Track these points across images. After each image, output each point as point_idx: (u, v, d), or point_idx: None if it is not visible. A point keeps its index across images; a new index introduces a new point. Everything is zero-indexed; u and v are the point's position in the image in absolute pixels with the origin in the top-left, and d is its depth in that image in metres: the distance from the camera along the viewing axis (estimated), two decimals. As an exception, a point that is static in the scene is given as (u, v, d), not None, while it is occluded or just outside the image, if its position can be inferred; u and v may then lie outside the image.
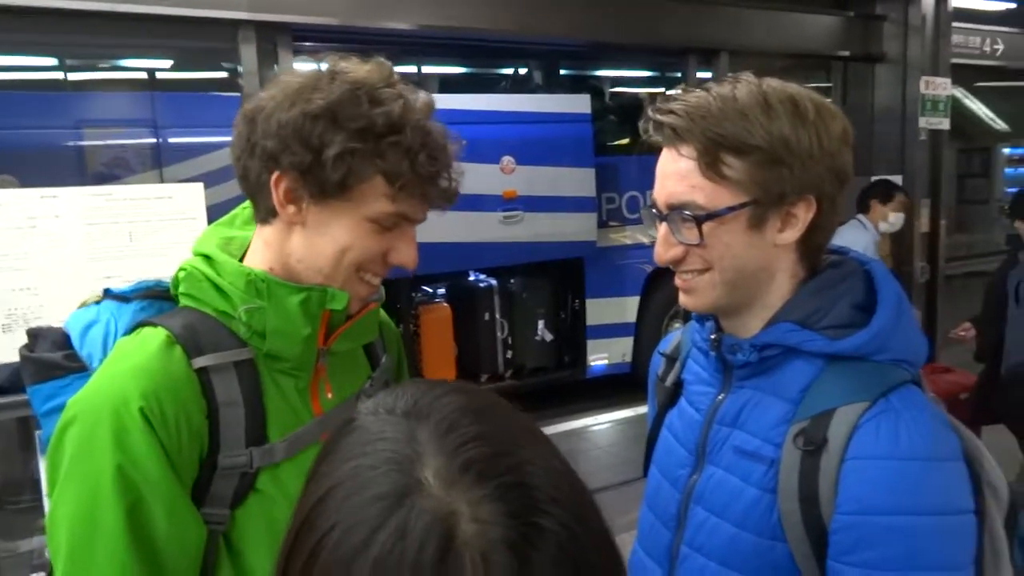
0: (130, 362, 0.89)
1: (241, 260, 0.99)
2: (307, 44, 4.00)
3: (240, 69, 3.69)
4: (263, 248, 0.99)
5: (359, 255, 0.95)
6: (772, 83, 0.93)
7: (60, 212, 2.46)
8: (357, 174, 0.90)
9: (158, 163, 4.23)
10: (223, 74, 4.73)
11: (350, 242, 0.94)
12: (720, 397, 1.00)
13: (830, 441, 0.86)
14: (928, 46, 5.60)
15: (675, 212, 0.93)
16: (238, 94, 3.83)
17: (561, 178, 4.98)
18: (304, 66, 1.00)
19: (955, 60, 5.95)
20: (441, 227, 4.73)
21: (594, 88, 5.86)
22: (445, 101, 4.32)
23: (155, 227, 2.55)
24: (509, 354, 5.22)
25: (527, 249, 4.95)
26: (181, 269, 0.99)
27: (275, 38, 3.75)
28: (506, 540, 0.42)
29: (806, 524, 0.87)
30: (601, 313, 5.35)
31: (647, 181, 0.98)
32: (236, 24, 3.61)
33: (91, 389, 0.89)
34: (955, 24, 5.94)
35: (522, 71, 5.90)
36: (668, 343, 1.17)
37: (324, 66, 0.94)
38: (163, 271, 1.07)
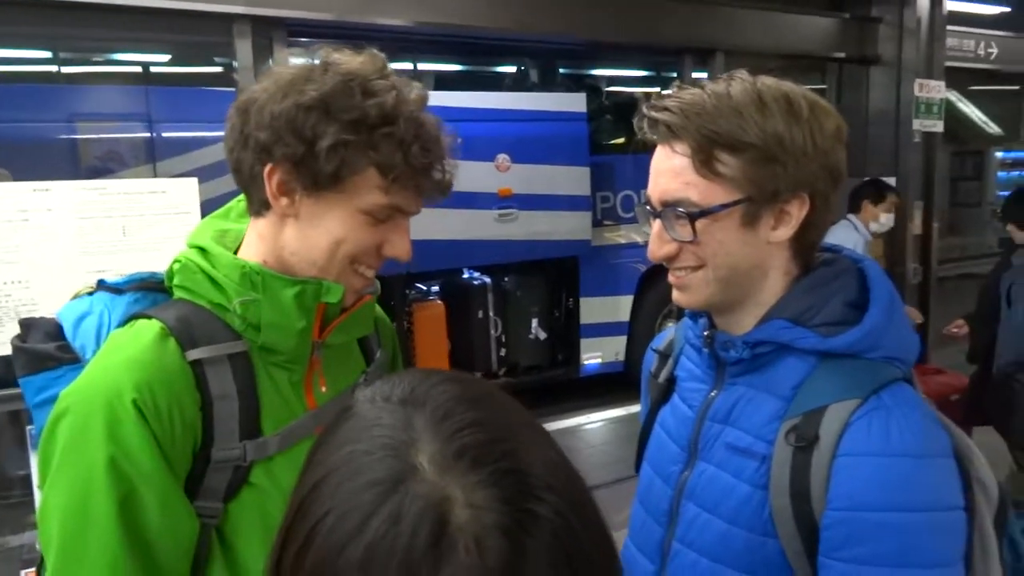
0: (124, 354, 0.89)
1: (236, 253, 0.99)
2: (302, 39, 3.99)
3: (235, 64, 3.68)
4: (257, 241, 0.98)
5: (353, 247, 0.95)
6: (766, 81, 0.93)
7: (53, 206, 2.45)
8: (350, 166, 0.90)
9: (152, 157, 4.21)
10: (218, 69, 4.71)
11: (344, 234, 0.94)
12: (713, 394, 1.00)
13: (822, 438, 0.87)
14: (923, 49, 5.63)
15: (669, 209, 0.94)
16: (233, 89, 3.82)
17: (556, 176, 4.98)
18: (297, 59, 1.00)
19: (949, 63, 5.98)
20: (436, 224, 4.75)
21: (590, 87, 5.86)
22: (441, 98, 4.31)
23: (148, 222, 2.54)
24: (503, 352, 5.22)
25: (522, 247, 4.95)
26: (176, 261, 0.98)
27: (270, 33, 3.74)
28: (500, 525, 0.42)
29: (797, 520, 0.88)
30: (595, 312, 5.36)
31: (642, 180, 0.98)
32: (231, 18, 3.60)
33: (84, 381, 0.88)
34: (950, 27, 5.97)
35: (518, 69, 5.90)
36: (661, 340, 1.18)
37: (317, 58, 0.94)
38: (156, 266, 1.07)
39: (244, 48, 3.62)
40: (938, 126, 5.68)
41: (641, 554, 1.06)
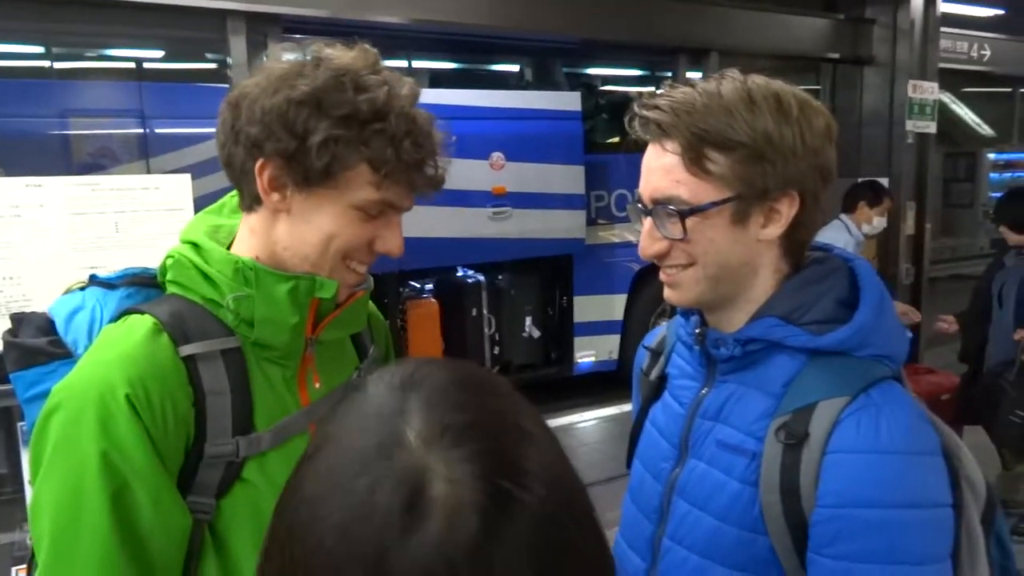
0: (117, 349, 0.89)
1: (229, 248, 0.99)
2: (297, 36, 3.98)
3: (229, 60, 3.67)
4: (249, 236, 0.98)
5: (344, 243, 0.95)
6: (757, 80, 0.93)
7: (45, 201, 2.44)
8: (341, 161, 0.90)
9: (145, 153, 4.19)
10: (212, 65, 4.69)
11: (335, 230, 0.94)
12: (704, 391, 1.01)
13: (811, 435, 0.87)
14: (916, 50, 5.65)
15: (659, 207, 0.94)
16: (227, 85, 3.81)
17: (550, 175, 4.98)
18: (290, 54, 0.99)
19: (943, 65, 6.00)
20: (429, 222, 4.74)
21: (584, 86, 5.87)
22: (435, 96, 4.31)
23: (141, 218, 2.54)
24: (496, 350, 5.23)
25: (516, 245, 4.95)
26: (169, 256, 0.98)
27: (265, 30, 3.73)
28: (475, 503, 0.42)
29: (787, 517, 0.88)
30: (589, 310, 5.37)
31: (636, 179, 0.99)
32: (225, 14, 3.59)
33: (77, 376, 0.88)
34: (943, 29, 6.00)
35: (513, 67, 5.90)
36: (653, 337, 1.18)
37: (309, 54, 0.93)
38: (149, 262, 1.07)
39: (238, 45, 3.62)
40: (931, 127, 5.71)
41: (632, 550, 1.07)
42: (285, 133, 0.88)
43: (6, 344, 1.00)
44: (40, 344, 0.98)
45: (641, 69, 6.37)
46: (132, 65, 4.70)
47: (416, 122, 0.92)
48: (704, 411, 1.00)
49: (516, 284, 5.29)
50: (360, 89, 0.89)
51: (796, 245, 0.98)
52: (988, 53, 7.49)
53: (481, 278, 5.15)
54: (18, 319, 1.02)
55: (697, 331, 1.02)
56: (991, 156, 9.61)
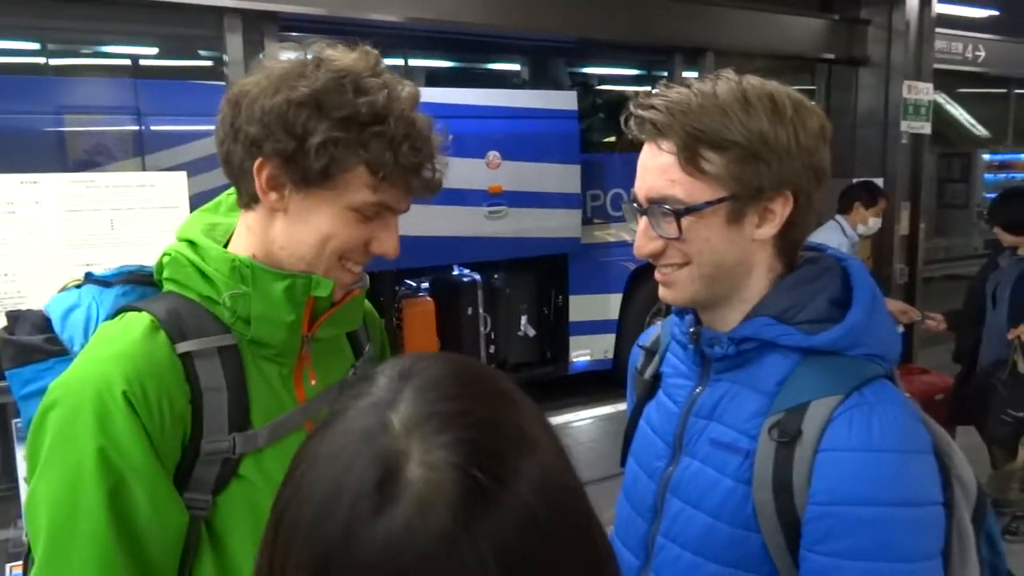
0: (114, 346, 0.89)
1: (225, 246, 0.99)
2: (294, 34, 3.97)
3: (225, 58, 3.67)
4: (246, 233, 0.99)
5: (341, 244, 0.95)
6: (752, 80, 0.94)
7: (40, 198, 2.43)
8: (340, 163, 0.90)
9: (140, 151, 4.19)
10: (208, 63, 4.69)
11: (332, 231, 0.94)
12: (698, 390, 1.01)
13: (804, 433, 0.88)
14: (911, 51, 5.67)
15: (655, 206, 0.94)
16: (223, 83, 3.81)
17: (547, 174, 4.99)
18: (289, 52, 0.99)
19: (938, 65, 6.03)
20: (426, 221, 4.74)
21: (581, 85, 5.88)
22: (432, 95, 4.31)
23: (137, 215, 2.53)
24: (492, 349, 5.23)
25: (511, 244, 4.96)
26: (165, 254, 0.98)
27: (262, 27, 3.73)
28: (449, 491, 0.43)
29: (779, 514, 0.89)
30: (584, 309, 5.37)
31: (632, 179, 0.99)
32: (223, 12, 3.59)
33: (74, 373, 0.88)
34: (938, 30, 6.02)
35: (509, 66, 5.90)
36: (647, 336, 1.19)
37: (310, 53, 0.94)
38: (145, 260, 1.07)
39: (235, 42, 3.61)
40: (926, 128, 5.73)
41: (625, 548, 1.07)
42: (284, 133, 0.89)
43: (2, 341, 1.00)
44: (36, 341, 0.98)
45: (637, 69, 6.38)
46: (128, 62, 4.69)
47: (415, 126, 0.93)
48: (698, 410, 1.00)
49: (512, 283, 5.30)
50: (360, 91, 0.90)
51: (790, 245, 0.98)
52: (983, 54, 7.52)
53: (477, 277, 5.15)
54: (14, 316, 1.02)
55: (691, 330, 1.02)
56: (985, 157, 9.64)
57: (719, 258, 0.95)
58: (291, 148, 0.89)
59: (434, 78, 5.53)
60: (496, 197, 4.84)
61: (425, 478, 0.43)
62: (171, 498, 0.88)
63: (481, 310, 5.13)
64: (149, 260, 1.04)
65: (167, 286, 0.98)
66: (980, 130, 10.17)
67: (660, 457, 1.04)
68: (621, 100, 6.18)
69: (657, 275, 1.00)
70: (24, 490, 1.96)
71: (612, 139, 5.64)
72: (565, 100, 5.10)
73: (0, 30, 4.01)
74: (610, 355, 5.47)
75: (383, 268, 4.33)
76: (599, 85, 6.34)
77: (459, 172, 4.49)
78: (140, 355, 0.88)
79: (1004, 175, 9.68)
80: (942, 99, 8.95)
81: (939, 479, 0.89)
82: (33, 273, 2.40)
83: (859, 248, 4.28)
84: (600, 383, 5.31)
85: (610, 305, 5.45)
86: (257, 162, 0.91)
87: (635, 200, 0.98)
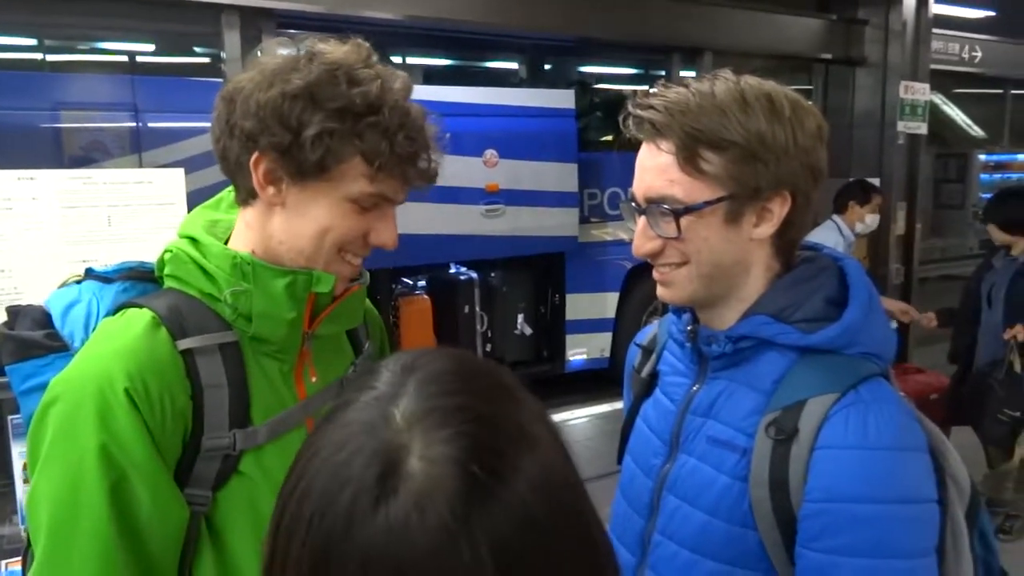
0: (115, 343, 0.89)
1: (226, 243, 0.99)
2: (291, 31, 3.97)
3: (223, 55, 3.66)
4: (245, 229, 0.99)
5: (339, 236, 0.95)
6: (749, 80, 0.95)
7: (37, 194, 2.43)
8: (336, 154, 0.90)
9: (137, 147, 4.18)
10: (205, 60, 4.68)
11: (330, 223, 0.94)
12: (695, 388, 1.02)
13: (801, 431, 0.88)
14: (908, 51, 5.69)
15: (654, 206, 0.95)
16: (220, 80, 3.80)
17: (544, 173, 4.99)
18: (283, 49, 1.00)
19: (934, 66, 6.04)
20: (422, 219, 4.73)
21: (578, 84, 5.88)
22: (429, 93, 4.31)
23: (134, 212, 2.53)
24: (488, 347, 5.23)
25: (508, 243, 4.96)
26: (167, 251, 0.99)
27: (259, 24, 3.73)
28: (448, 486, 0.43)
29: (776, 512, 0.89)
30: (581, 308, 5.38)
31: (629, 178, 0.99)
32: (220, 9, 3.58)
33: (75, 369, 0.89)
34: (935, 30, 6.03)
35: (507, 65, 5.90)
36: (645, 335, 1.19)
37: (302, 49, 0.94)
38: (142, 256, 1.07)
39: (232, 39, 3.61)
40: (922, 128, 5.74)
41: (622, 546, 1.08)
42: (279, 127, 0.89)
43: (2, 336, 1.00)
44: (36, 337, 0.98)
45: (635, 68, 6.38)
46: (125, 58, 4.68)
47: (409, 115, 0.93)
48: (695, 407, 1.01)
49: (509, 281, 5.30)
50: (353, 83, 0.90)
51: (787, 244, 0.99)
52: (979, 55, 7.54)
53: (474, 275, 5.15)
54: (14, 312, 1.02)
55: (689, 328, 1.03)
56: (981, 157, 9.67)
57: (717, 258, 0.96)
58: (287, 141, 0.89)
59: (432, 76, 5.53)
60: (493, 195, 4.84)
61: (425, 472, 0.43)
62: (172, 494, 0.89)
63: (478, 308, 5.13)
64: (147, 256, 1.05)
65: (168, 283, 0.98)
66: (976, 131, 10.19)
67: (657, 455, 1.05)
68: (619, 99, 6.19)
69: (655, 274, 1.01)
70: (20, 487, 1.96)
71: (609, 138, 5.65)
72: (562, 99, 5.10)
73: (-2, 26, 4.00)
74: (607, 354, 5.48)
75: (380, 266, 4.32)
76: (597, 84, 6.34)
77: (456, 170, 4.53)
78: (142, 351, 0.88)
79: (1000, 176, 9.70)
80: (938, 99, 8.97)
81: (934, 477, 0.90)
82: (30, 269, 2.39)
83: (855, 248, 4.29)
84: (596, 382, 5.32)
85: (607, 304, 5.45)
86: (253, 157, 0.92)
87: (633, 200, 0.99)
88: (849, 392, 0.89)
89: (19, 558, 1.53)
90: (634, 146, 0.99)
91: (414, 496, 0.43)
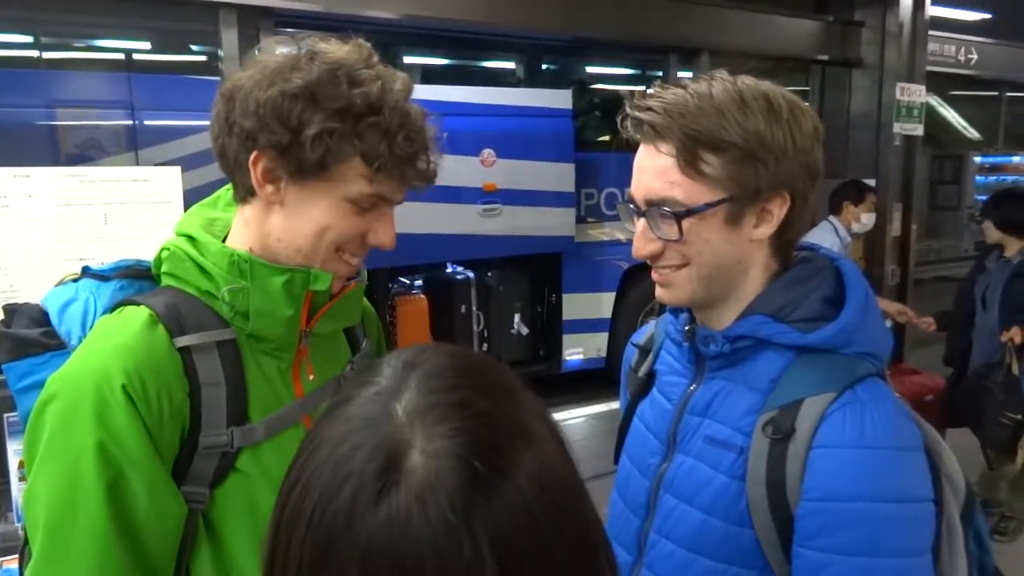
0: (113, 340, 0.89)
1: (224, 241, 0.99)
2: (289, 30, 3.96)
3: (220, 53, 3.66)
4: (243, 227, 0.99)
5: (337, 235, 0.95)
6: (746, 81, 0.95)
7: (33, 192, 2.42)
8: (335, 154, 0.90)
9: (134, 145, 4.17)
10: (203, 58, 4.67)
11: (328, 222, 0.94)
12: (692, 387, 1.02)
13: (798, 430, 0.89)
14: (904, 53, 5.70)
15: (654, 208, 0.95)
16: (217, 78, 3.79)
17: (541, 172, 4.99)
18: (283, 47, 1.00)
19: (930, 68, 6.06)
20: (420, 218, 4.73)
21: (576, 84, 5.88)
22: (427, 92, 4.31)
23: (131, 210, 2.52)
24: (485, 347, 5.23)
25: (505, 242, 4.96)
26: (164, 249, 0.99)
27: (257, 23, 3.72)
28: (449, 480, 0.43)
29: (773, 511, 0.90)
30: (577, 308, 5.38)
31: (626, 178, 0.99)
32: (218, 7, 3.58)
33: (73, 366, 0.88)
34: (931, 32, 6.05)
35: (505, 64, 5.90)
36: (642, 335, 1.20)
37: (303, 47, 0.94)
38: (138, 254, 1.07)
39: (230, 38, 3.60)
40: (918, 129, 5.76)
41: (618, 545, 1.08)
42: (279, 126, 0.89)
43: None
44: (33, 335, 0.98)
45: (632, 68, 6.39)
46: (122, 56, 4.67)
47: (409, 116, 0.93)
48: (692, 407, 1.01)
49: (505, 281, 5.30)
50: (354, 83, 0.90)
51: (785, 244, 0.99)
52: (975, 57, 7.57)
53: (470, 275, 5.16)
54: (11, 310, 1.02)
55: (687, 328, 1.03)
56: (977, 159, 9.70)
57: (718, 259, 0.96)
58: (286, 140, 0.89)
59: (429, 75, 5.53)
60: (490, 195, 4.84)
61: (426, 466, 0.44)
62: (170, 491, 0.89)
63: (474, 308, 5.14)
64: (143, 254, 1.05)
65: (166, 280, 0.98)
66: (972, 132, 10.23)
67: (654, 454, 1.05)
68: (616, 99, 6.21)
69: (654, 275, 1.01)
70: (15, 485, 1.95)
71: (607, 138, 5.65)
72: (560, 99, 5.10)
73: (-6, 23, 3.99)
74: (603, 354, 5.48)
75: (377, 265, 4.32)
76: (594, 84, 6.34)
77: (453, 169, 4.53)
78: (139, 349, 0.88)
79: (995, 178, 9.73)
80: (934, 101, 9.00)
81: (930, 477, 0.90)
82: (26, 267, 2.39)
83: (851, 249, 4.30)
84: (593, 381, 5.32)
85: (603, 304, 5.46)
86: (252, 155, 0.92)
87: (631, 201, 0.98)
88: (846, 391, 0.90)
89: (15, 556, 1.52)
90: (631, 146, 0.99)
91: (415, 490, 0.43)
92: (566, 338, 5.38)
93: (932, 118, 7.90)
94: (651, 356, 1.13)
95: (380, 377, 0.50)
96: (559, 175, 5.05)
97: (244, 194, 0.97)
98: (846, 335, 0.93)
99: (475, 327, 5.15)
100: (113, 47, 4.62)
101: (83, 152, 4.11)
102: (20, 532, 0.92)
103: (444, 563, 0.42)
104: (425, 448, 0.44)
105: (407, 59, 5.28)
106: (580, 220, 5.25)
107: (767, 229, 0.96)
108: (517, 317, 5.34)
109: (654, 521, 1.03)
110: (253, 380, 0.96)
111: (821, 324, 0.94)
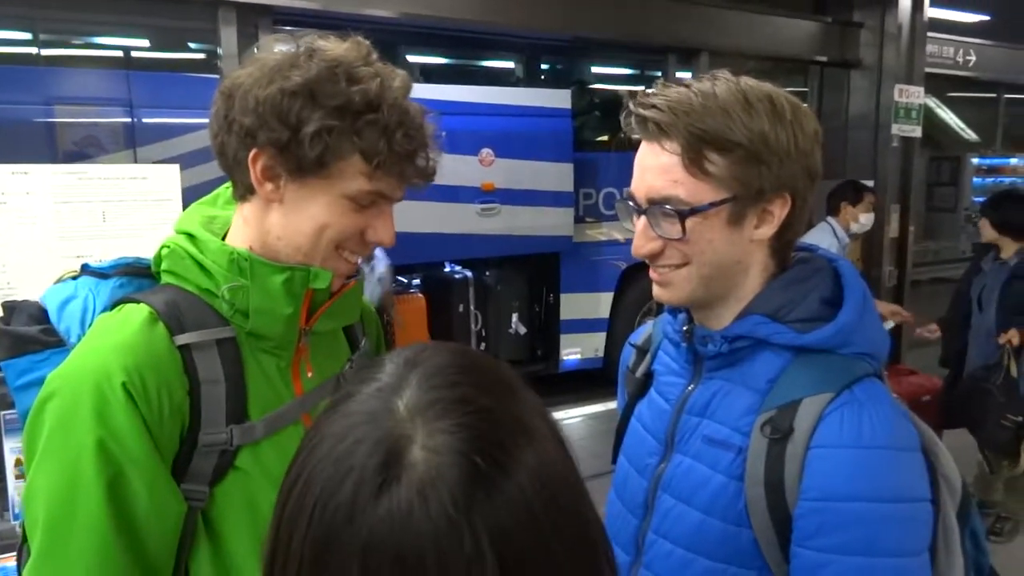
0: (113, 338, 0.89)
1: (223, 239, 0.99)
2: (288, 28, 3.96)
3: (219, 51, 3.65)
4: (243, 225, 0.99)
5: (337, 233, 0.95)
6: (748, 81, 0.95)
7: (31, 189, 2.42)
8: (334, 152, 0.90)
9: (132, 143, 4.16)
10: (201, 55, 4.67)
11: (327, 220, 0.94)
12: (690, 387, 1.02)
13: (796, 430, 0.89)
14: (903, 54, 5.71)
15: (656, 207, 0.94)
16: (216, 76, 3.79)
17: (539, 172, 5.00)
18: (282, 45, 1.00)
19: (929, 69, 6.06)
20: (418, 217, 4.73)
21: (575, 83, 5.89)
22: (426, 91, 4.31)
23: (129, 207, 2.52)
24: (483, 346, 5.24)
25: (503, 242, 4.97)
26: (164, 246, 0.99)
27: (256, 21, 3.72)
28: (450, 475, 0.44)
29: (771, 511, 0.90)
30: (575, 308, 5.39)
31: (625, 178, 0.99)
32: (217, 5, 3.57)
33: (72, 364, 0.88)
34: (930, 34, 6.06)
35: (504, 64, 5.90)
36: (639, 335, 1.20)
37: (302, 45, 0.94)
38: (137, 252, 1.07)
39: (229, 35, 3.60)
40: (916, 131, 5.77)
41: (616, 545, 1.08)
42: (278, 123, 0.89)
43: None
44: (32, 332, 0.98)
45: (631, 68, 6.39)
46: (120, 53, 4.66)
47: (408, 113, 0.93)
48: (691, 407, 1.01)
49: (503, 280, 5.30)
50: (353, 80, 0.90)
51: (784, 245, 0.99)
52: (973, 58, 7.59)
53: (468, 274, 5.16)
54: (10, 307, 1.02)
55: (684, 328, 1.03)
56: (974, 161, 9.72)
57: (720, 259, 0.96)
58: (285, 138, 0.89)
59: (428, 74, 5.53)
60: (489, 194, 4.85)
61: (427, 461, 0.44)
62: (169, 489, 0.89)
63: (472, 307, 5.14)
64: (141, 252, 1.04)
65: (165, 278, 0.98)
66: (969, 134, 10.25)
67: (652, 454, 1.05)
68: (615, 99, 6.21)
69: (653, 275, 1.00)
70: (12, 483, 1.95)
71: (606, 138, 5.66)
72: (559, 98, 5.11)
73: (-8, 20, 3.98)
74: (601, 353, 5.49)
75: (375, 264, 4.32)
76: (593, 84, 6.35)
77: (452, 169, 4.53)
78: (139, 346, 0.88)
79: (992, 179, 9.75)
80: (932, 103, 9.01)
81: (927, 477, 0.90)
82: (24, 265, 2.38)
83: (849, 250, 4.30)
84: (590, 381, 5.32)
85: (601, 303, 5.46)
86: (252, 153, 0.92)
87: (631, 199, 0.98)
88: (844, 392, 0.90)
89: (13, 554, 1.52)
90: (630, 146, 0.99)
91: (417, 484, 0.43)
92: (564, 338, 5.39)
93: (930, 119, 7.92)
94: (649, 356, 1.13)
95: (381, 373, 0.50)
96: (558, 175, 5.05)
97: (243, 192, 0.97)
98: (844, 335, 0.94)
99: (473, 326, 5.16)
100: (112, 44, 4.62)
101: (81, 149, 4.10)
102: (17, 530, 0.92)
103: (445, 558, 0.42)
104: (426, 443, 0.44)
105: (406, 58, 5.28)
106: (578, 220, 5.25)
107: (768, 230, 0.96)
108: (515, 317, 5.35)
109: (652, 521, 1.03)
110: (252, 378, 0.96)
111: (819, 324, 0.94)
